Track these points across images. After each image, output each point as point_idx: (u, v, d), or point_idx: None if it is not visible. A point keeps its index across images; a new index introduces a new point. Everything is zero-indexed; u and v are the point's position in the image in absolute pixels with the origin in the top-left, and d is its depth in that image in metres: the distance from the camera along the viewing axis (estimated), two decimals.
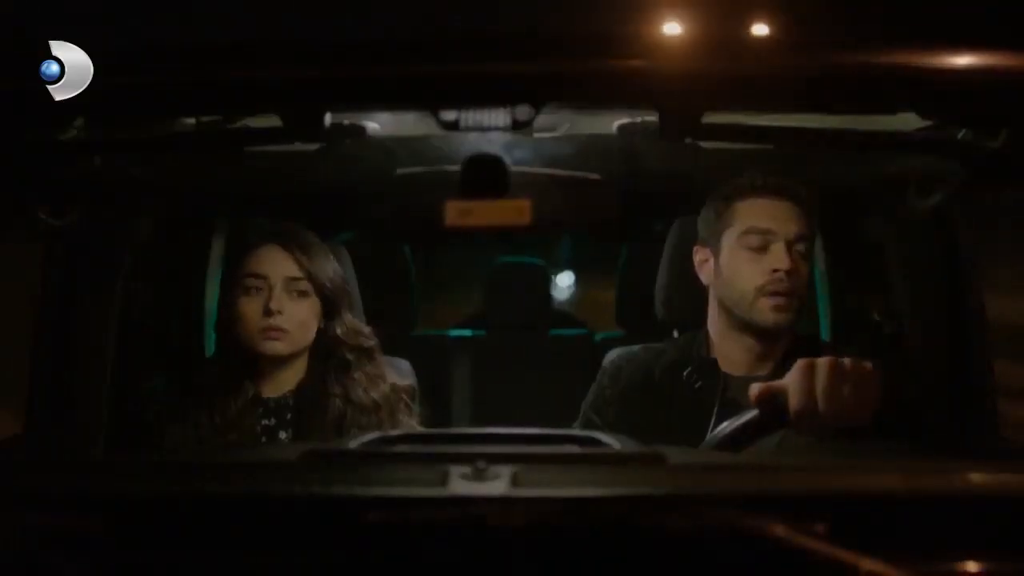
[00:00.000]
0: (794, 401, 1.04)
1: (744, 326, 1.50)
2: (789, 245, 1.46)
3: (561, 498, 0.73)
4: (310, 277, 1.53)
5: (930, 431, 1.42)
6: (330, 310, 1.57)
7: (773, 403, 1.05)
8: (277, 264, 1.53)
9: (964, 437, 1.43)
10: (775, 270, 1.44)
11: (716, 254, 1.53)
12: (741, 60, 0.89)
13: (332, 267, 1.59)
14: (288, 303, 1.51)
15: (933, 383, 1.52)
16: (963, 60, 0.91)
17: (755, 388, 1.07)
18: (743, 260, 1.48)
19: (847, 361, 1.06)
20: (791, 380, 1.06)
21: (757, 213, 1.48)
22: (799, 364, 1.07)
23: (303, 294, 1.53)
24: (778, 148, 1.32)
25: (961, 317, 1.45)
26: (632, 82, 0.90)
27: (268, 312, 1.49)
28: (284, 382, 1.57)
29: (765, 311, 1.46)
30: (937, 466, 0.86)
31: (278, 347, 1.51)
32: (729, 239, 1.50)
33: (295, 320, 1.52)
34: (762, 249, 1.47)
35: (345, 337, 1.58)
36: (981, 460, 1.10)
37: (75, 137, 1.12)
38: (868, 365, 1.07)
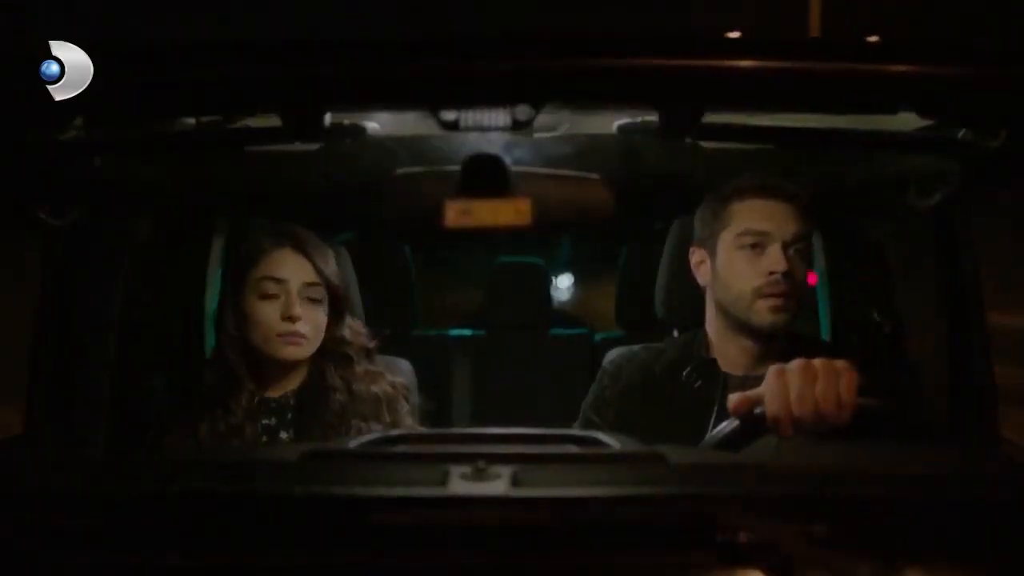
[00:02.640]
0: (770, 408, 1.05)
1: (741, 327, 1.50)
2: (785, 246, 1.45)
3: (561, 498, 0.73)
4: (324, 281, 1.53)
5: (929, 431, 1.42)
6: (336, 311, 1.57)
7: (751, 412, 1.06)
8: (295, 268, 1.52)
9: (964, 437, 1.43)
10: (772, 272, 1.44)
11: (712, 255, 1.53)
12: (741, 60, 0.89)
13: (338, 269, 1.59)
14: (305, 308, 1.51)
15: (933, 383, 1.52)
16: (963, 60, 0.91)
17: (732, 399, 1.07)
18: (740, 261, 1.48)
19: (817, 363, 1.06)
20: (765, 387, 1.06)
21: (754, 214, 1.48)
22: (771, 370, 1.07)
23: (318, 298, 1.53)
24: (778, 148, 1.32)
25: (961, 317, 1.45)
26: (632, 82, 0.90)
27: (289, 318, 1.49)
28: (287, 383, 1.57)
29: (762, 313, 1.46)
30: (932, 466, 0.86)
31: (297, 352, 1.51)
32: (725, 240, 1.50)
33: (312, 325, 1.52)
34: (759, 251, 1.46)
35: (352, 338, 1.59)
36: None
37: (75, 137, 1.12)
38: (840, 364, 1.06)
